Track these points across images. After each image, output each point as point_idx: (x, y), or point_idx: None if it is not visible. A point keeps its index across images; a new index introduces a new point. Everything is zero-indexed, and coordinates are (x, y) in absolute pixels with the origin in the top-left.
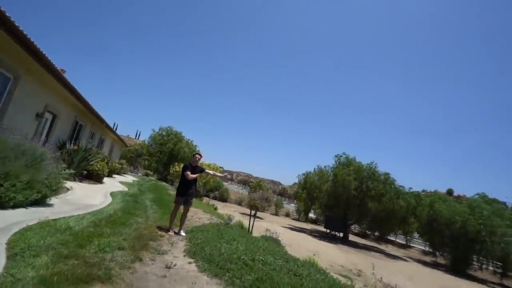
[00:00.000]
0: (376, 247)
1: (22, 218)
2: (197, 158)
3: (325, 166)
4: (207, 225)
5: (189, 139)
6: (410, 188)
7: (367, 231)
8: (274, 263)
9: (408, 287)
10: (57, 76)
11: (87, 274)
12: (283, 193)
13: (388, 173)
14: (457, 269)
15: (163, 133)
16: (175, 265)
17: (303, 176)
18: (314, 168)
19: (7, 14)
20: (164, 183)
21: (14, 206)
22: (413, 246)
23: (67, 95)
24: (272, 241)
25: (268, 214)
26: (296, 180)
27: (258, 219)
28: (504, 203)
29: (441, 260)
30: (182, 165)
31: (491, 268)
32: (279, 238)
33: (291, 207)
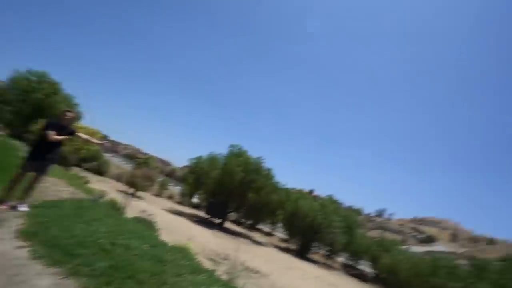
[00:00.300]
0: (246, 234)
1: None
2: (68, 116)
3: (218, 154)
4: (66, 200)
5: (69, 93)
6: (284, 184)
7: (242, 220)
8: (139, 248)
9: (263, 269)
10: None
11: None
12: (172, 174)
13: (271, 169)
14: (302, 253)
15: (33, 78)
16: None
17: (195, 161)
18: (208, 154)
19: None
20: (18, 142)
21: None
22: (275, 234)
23: None
24: (145, 224)
25: (149, 195)
26: (187, 163)
27: (137, 199)
28: (341, 203)
29: (293, 246)
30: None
31: (323, 251)
32: (155, 221)
33: (176, 189)
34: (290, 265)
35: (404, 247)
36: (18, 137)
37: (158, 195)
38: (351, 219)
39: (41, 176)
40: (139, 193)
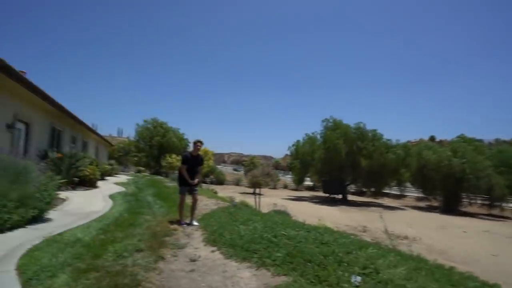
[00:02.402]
0: (374, 202)
1: (24, 238)
2: (198, 147)
3: (313, 133)
4: (216, 210)
5: (175, 128)
6: (398, 140)
7: (363, 189)
8: (298, 236)
9: (410, 233)
10: (19, 78)
11: (114, 285)
12: (276, 166)
13: (375, 130)
14: (450, 208)
15: (149, 125)
16: (199, 256)
17: (294, 147)
18: (303, 137)
19: None
20: (159, 177)
21: (12, 228)
22: (408, 195)
23: (36, 100)
24: (284, 215)
25: (267, 190)
26: (287, 152)
27: (261, 196)
28: (482, 140)
29: (435, 203)
30: (174, 156)
31: (479, 201)
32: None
33: (287, 178)
34: (441, 223)
35: None
36: (157, 173)
37: (274, 188)
38: (507, 153)
39: (196, 195)
40: (260, 190)
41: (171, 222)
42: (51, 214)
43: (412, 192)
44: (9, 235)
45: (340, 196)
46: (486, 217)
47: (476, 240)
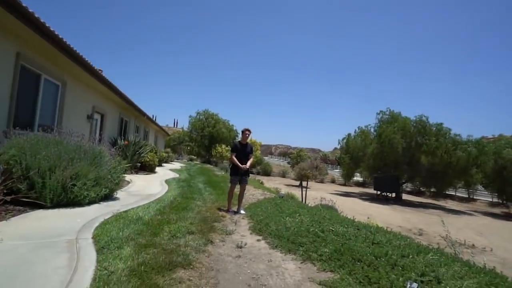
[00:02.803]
0: (434, 204)
1: (98, 213)
2: (246, 135)
3: (366, 126)
4: (263, 201)
5: (225, 119)
6: (469, 136)
7: (421, 188)
8: (347, 232)
9: (479, 242)
10: (99, 77)
11: (169, 262)
12: (324, 159)
13: (441, 123)
14: None
15: (201, 117)
16: (245, 244)
17: (344, 140)
18: (355, 130)
19: (52, 29)
20: (208, 165)
21: (89, 203)
22: (478, 199)
23: (110, 94)
24: (331, 210)
25: (313, 183)
26: (336, 145)
27: (307, 189)
28: None
29: None
30: (223, 146)
31: None
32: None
33: (335, 173)
34: None
35: None
36: (208, 162)
37: (321, 181)
38: None
39: (244, 185)
40: (305, 183)
41: (220, 209)
42: (118, 194)
43: (484, 196)
44: (87, 208)
45: (393, 195)
46: None
47: None
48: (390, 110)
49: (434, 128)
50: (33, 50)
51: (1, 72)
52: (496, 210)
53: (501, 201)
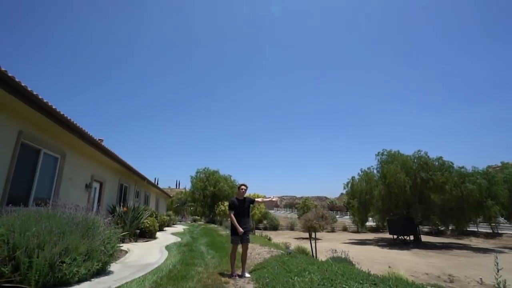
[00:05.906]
0: (458, 243)
1: None
2: (242, 190)
3: (369, 168)
4: (269, 260)
5: (226, 175)
6: (474, 167)
7: (439, 227)
8: None
9: None
10: (100, 148)
11: None
12: (332, 206)
13: (441, 157)
14: None
15: (202, 175)
16: None
17: (349, 184)
18: (358, 173)
19: (54, 107)
20: (213, 225)
21: (79, 281)
22: (503, 233)
23: (110, 162)
24: (344, 262)
25: (324, 233)
26: (342, 191)
27: (317, 241)
28: None
29: None
30: (226, 204)
31: None
32: (348, 257)
33: (345, 220)
34: None
35: None
36: (212, 221)
37: (332, 230)
38: None
39: (246, 245)
40: (316, 235)
41: (222, 274)
42: (113, 266)
43: (510, 229)
44: None
45: (411, 237)
46: None
47: None
48: (386, 150)
49: (437, 163)
50: (34, 126)
51: (2, 154)
52: None
53: None
